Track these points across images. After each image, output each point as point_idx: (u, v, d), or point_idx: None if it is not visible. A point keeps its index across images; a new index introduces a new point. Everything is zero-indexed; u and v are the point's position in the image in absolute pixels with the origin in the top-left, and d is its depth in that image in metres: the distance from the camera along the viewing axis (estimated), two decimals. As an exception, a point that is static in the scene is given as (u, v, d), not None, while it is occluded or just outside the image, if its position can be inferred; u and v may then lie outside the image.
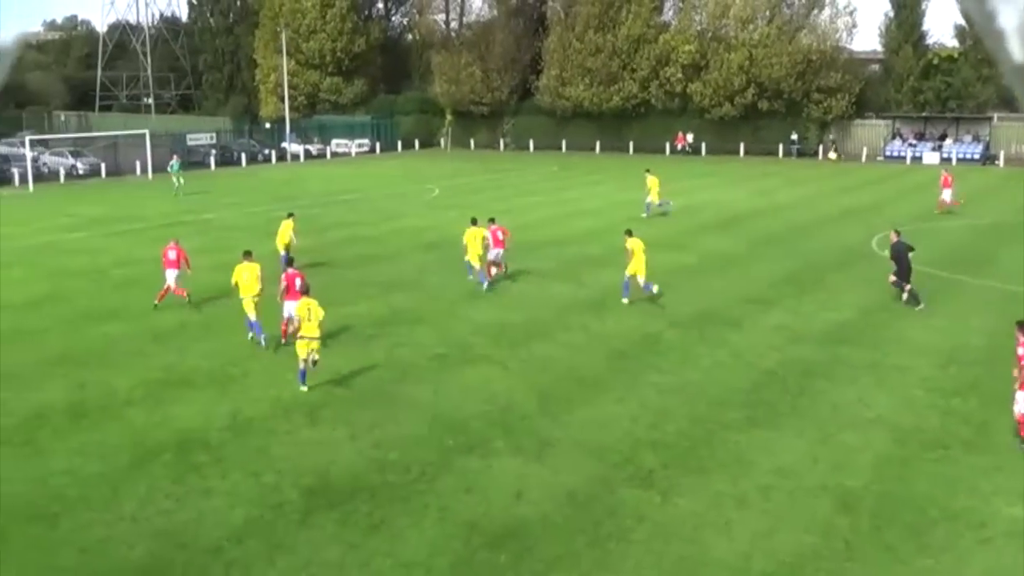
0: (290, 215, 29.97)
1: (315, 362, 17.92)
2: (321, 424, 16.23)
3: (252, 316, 21.01)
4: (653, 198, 40.25)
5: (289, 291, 20.39)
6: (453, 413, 16.69)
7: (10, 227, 39.32)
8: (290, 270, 21.55)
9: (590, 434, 15.66)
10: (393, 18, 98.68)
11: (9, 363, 19.81)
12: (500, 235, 27.60)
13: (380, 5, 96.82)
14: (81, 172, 62.73)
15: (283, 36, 79.21)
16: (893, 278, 24.53)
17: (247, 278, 21.17)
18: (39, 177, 58.79)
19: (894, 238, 24.93)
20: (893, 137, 72.13)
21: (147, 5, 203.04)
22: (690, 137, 76.41)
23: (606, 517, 12.62)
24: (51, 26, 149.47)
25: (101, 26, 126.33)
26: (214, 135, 75.45)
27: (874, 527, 12.34)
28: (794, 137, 72.90)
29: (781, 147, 72.82)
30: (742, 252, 32.54)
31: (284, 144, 76.59)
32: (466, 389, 18.10)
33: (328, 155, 78.11)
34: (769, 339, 21.54)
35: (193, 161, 67.91)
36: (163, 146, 65.44)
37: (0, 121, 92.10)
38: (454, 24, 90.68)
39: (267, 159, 73.43)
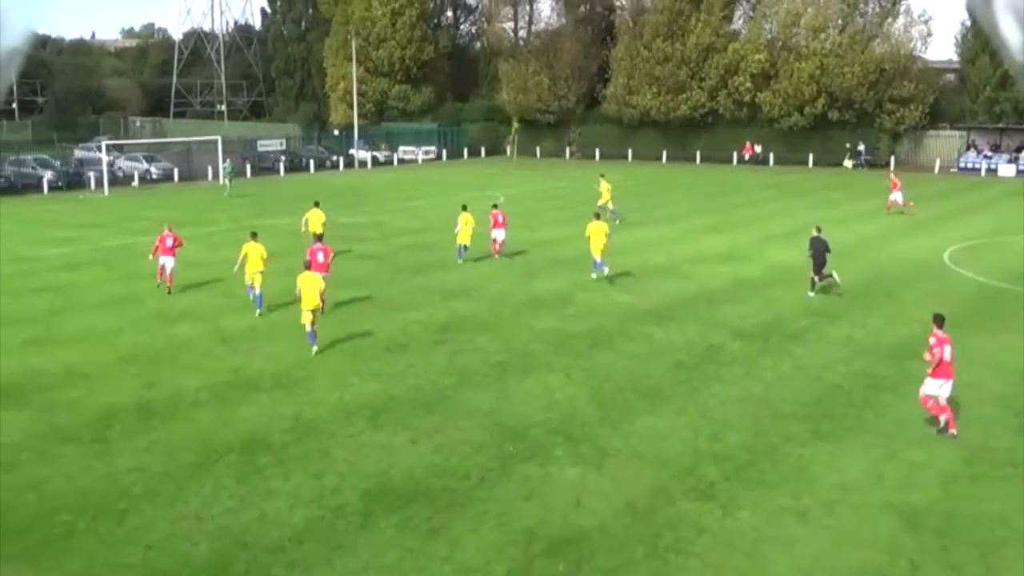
0: (316, 204, 32.87)
1: (315, 332, 20.58)
2: (382, 428, 16.36)
3: (257, 289, 24.26)
4: (606, 202, 40.46)
5: (311, 263, 23.07)
6: (513, 420, 16.72)
7: (87, 229, 40.38)
8: (316, 244, 25.35)
9: (651, 444, 15.57)
10: (462, 26, 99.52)
11: (82, 362, 20.37)
12: (500, 218, 32.50)
13: (449, 14, 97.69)
14: (155, 177, 64.13)
15: (353, 44, 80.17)
16: (812, 275, 26.34)
17: (253, 256, 24.40)
18: (114, 181, 60.13)
19: (814, 233, 26.56)
20: (968, 148, 70.64)
21: (222, 13, 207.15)
22: (758, 147, 75.59)
23: (665, 529, 12.53)
24: (129, 34, 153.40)
25: (177, 34, 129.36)
26: (284, 141, 76.63)
27: (941, 546, 12.08)
28: (861, 147, 71.56)
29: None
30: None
31: (352, 151, 77.43)
32: (527, 397, 18.12)
33: (395, 162, 78.79)
34: (835, 352, 21.21)
35: (263, 167, 69.19)
36: (235, 152, 66.64)
37: (78, 126, 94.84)
38: (522, 32, 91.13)
39: (335, 165, 74.30)
